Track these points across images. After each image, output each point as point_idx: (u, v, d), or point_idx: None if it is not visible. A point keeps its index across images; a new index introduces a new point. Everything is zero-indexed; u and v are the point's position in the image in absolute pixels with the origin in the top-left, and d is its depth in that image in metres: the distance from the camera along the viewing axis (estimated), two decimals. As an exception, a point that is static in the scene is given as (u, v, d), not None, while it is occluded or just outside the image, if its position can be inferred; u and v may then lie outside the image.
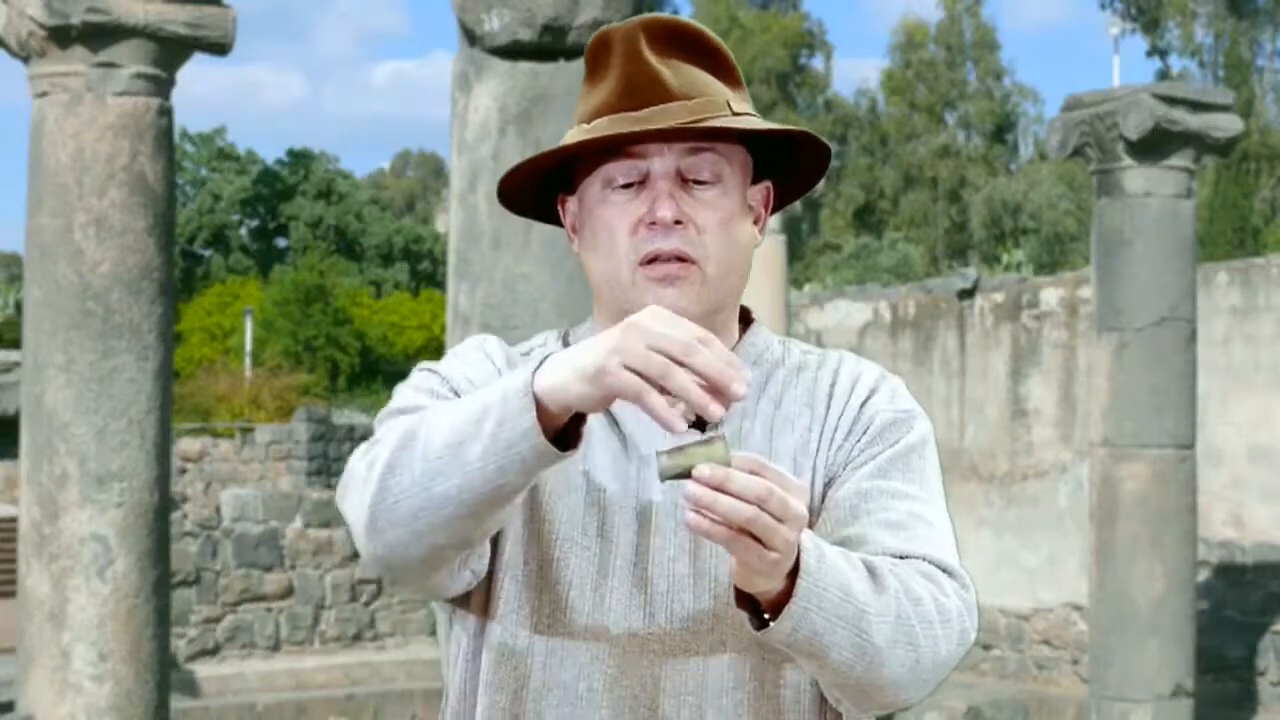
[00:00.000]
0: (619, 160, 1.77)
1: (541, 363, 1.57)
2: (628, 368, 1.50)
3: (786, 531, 1.50)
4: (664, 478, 1.50)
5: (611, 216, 1.78)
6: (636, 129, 1.73)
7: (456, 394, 1.77)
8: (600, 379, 1.52)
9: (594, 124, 1.76)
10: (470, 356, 1.85)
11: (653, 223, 1.75)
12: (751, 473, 1.49)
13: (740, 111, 1.77)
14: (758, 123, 1.78)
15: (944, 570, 1.70)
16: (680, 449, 1.50)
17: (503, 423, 1.55)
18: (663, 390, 1.50)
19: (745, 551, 1.50)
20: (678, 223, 1.75)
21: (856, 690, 1.65)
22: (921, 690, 1.67)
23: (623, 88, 1.75)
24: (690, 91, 1.75)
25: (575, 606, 1.74)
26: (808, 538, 1.55)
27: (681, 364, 1.49)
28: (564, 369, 1.55)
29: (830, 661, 1.60)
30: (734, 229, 1.79)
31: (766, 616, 1.58)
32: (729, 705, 1.72)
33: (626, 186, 1.78)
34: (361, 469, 1.66)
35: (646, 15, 1.79)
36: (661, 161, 1.76)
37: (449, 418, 1.60)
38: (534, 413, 1.54)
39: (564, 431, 1.58)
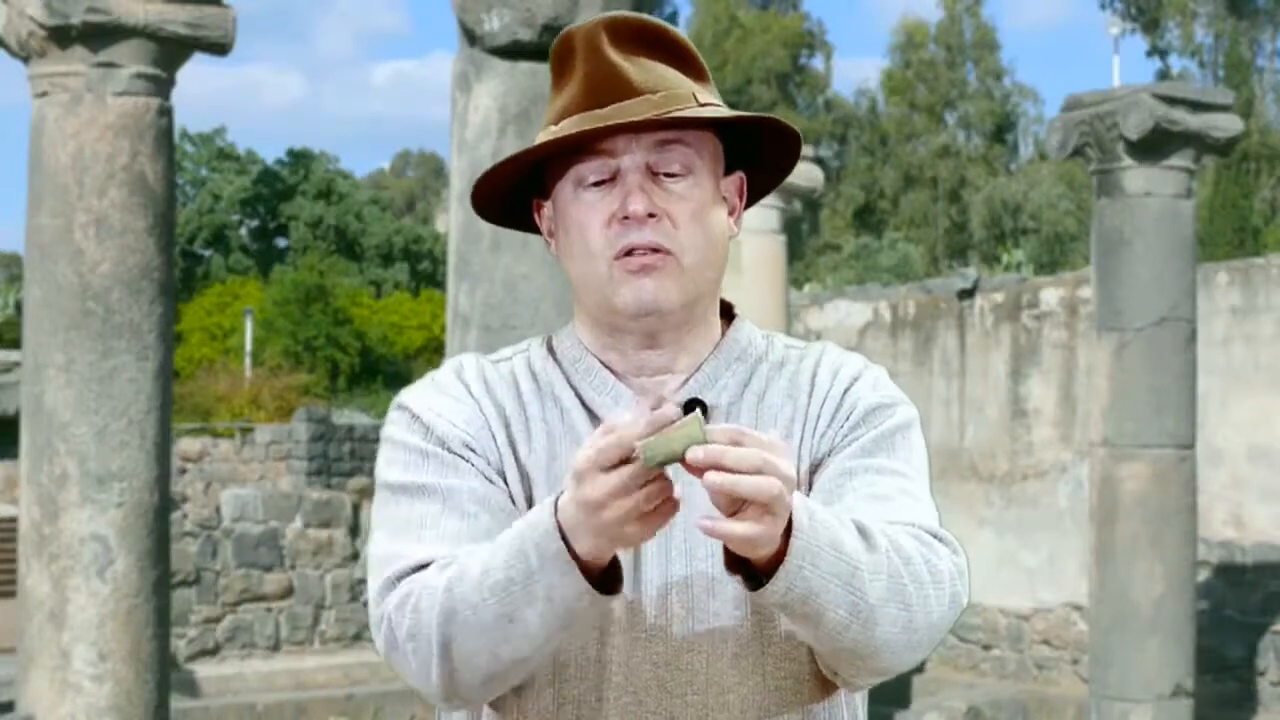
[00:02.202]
0: (588, 159, 1.77)
1: (556, 511, 1.57)
2: (625, 521, 1.52)
3: (784, 494, 1.50)
4: (648, 466, 1.50)
5: (584, 215, 1.77)
6: (601, 125, 1.73)
7: (446, 448, 1.77)
8: (633, 540, 1.56)
9: (561, 125, 1.76)
10: (450, 388, 1.83)
11: (625, 217, 1.75)
12: (735, 443, 1.49)
13: (706, 103, 1.77)
14: (723, 111, 1.78)
15: (933, 536, 1.70)
16: (658, 435, 1.50)
17: (553, 588, 1.57)
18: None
19: (765, 526, 1.51)
20: (651, 215, 1.75)
21: (851, 654, 1.64)
22: (914, 655, 1.67)
23: (587, 87, 1.75)
24: (655, 86, 1.74)
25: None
26: (798, 497, 1.55)
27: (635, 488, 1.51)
28: (600, 535, 1.55)
29: (826, 622, 1.59)
30: (708, 220, 1.79)
31: (762, 578, 1.58)
32: (734, 701, 1.73)
33: (598, 184, 1.77)
34: (402, 635, 1.66)
35: (607, 14, 1.78)
36: (631, 157, 1.76)
37: (480, 588, 1.61)
38: (579, 574, 1.56)
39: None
